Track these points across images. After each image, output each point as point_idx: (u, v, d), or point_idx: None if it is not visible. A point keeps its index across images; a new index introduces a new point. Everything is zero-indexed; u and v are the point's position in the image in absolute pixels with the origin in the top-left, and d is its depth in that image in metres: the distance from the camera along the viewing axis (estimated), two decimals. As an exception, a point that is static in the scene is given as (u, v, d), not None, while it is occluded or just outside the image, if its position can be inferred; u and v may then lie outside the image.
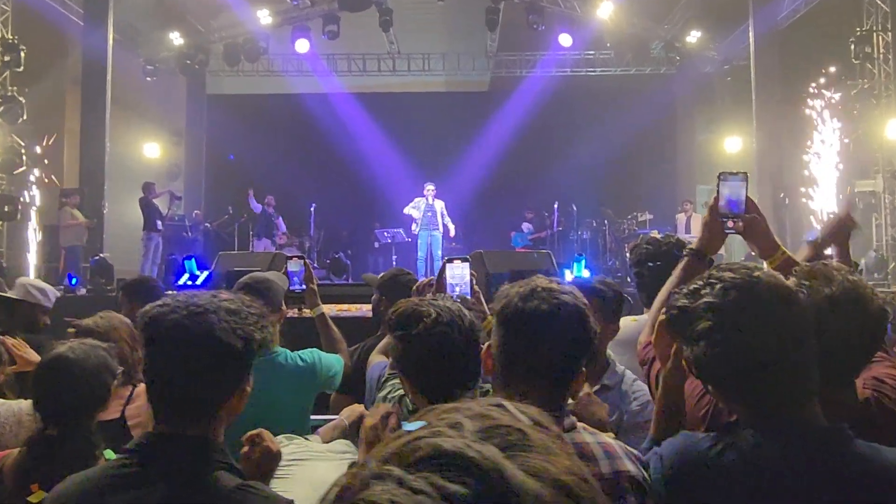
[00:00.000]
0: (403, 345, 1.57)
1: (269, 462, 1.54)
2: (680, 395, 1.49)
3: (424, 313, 1.56)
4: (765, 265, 1.69)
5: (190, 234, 11.97)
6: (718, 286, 1.26)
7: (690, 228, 10.99)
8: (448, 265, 2.31)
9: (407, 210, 10.98)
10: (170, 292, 1.34)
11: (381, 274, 3.37)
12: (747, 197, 1.71)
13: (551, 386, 1.35)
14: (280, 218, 12.17)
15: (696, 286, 1.29)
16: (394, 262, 10.93)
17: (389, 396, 1.90)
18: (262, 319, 1.34)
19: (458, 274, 2.29)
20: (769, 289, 1.24)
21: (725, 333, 1.22)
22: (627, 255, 2.63)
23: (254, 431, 1.54)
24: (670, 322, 1.33)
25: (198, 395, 1.28)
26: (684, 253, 1.78)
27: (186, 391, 1.27)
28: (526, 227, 12.23)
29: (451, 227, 10.82)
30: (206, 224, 12.61)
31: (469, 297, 2.21)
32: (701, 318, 1.25)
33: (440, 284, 2.29)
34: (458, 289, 2.24)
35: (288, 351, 2.58)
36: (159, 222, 10.73)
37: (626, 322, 2.43)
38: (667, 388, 1.48)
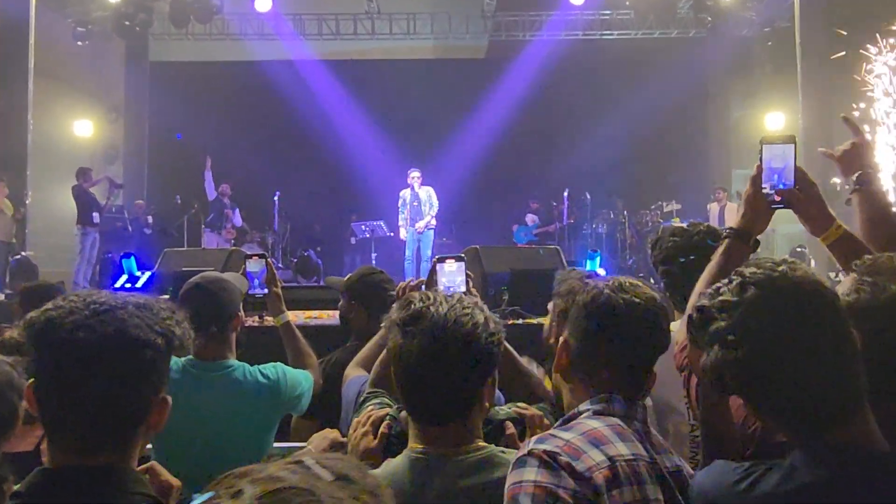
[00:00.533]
0: (406, 342, 1.53)
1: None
2: (722, 413, 1.56)
3: (449, 305, 1.55)
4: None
5: (130, 228, 11.95)
6: (736, 282, 1.30)
7: (724, 220, 11.10)
8: (439, 265, 2.34)
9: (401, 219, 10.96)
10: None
11: (348, 275, 3.39)
12: (796, 165, 1.72)
13: (638, 381, 1.58)
14: (237, 210, 12.17)
15: (718, 284, 1.34)
16: (373, 262, 10.94)
17: None
18: (176, 315, 1.34)
19: (452, 274, 2.32)
20: (794, 284, 1.27)
21: (740, 335, 1.25)
22: (649, 251, 2.65)
23: (143, 466, 1.49)
24: (689, 325, 1.37)
25: (113, 412, 1.24)
26: (724, 234, 1.81)
27: (97, 407, 1.23)
28: (531, 219, 12.30)
29: (430, 217, 10.79)
30: (150, 216, 12.59)
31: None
32: (715, 319, 1.29)
33: (431, 285, 2.32)
34: (452, 290, 2.27)
35: (247, 365, 2.60)
36: (96, 215, 10.70)
37: None
38: (705, 405, 1.55)
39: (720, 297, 1.30)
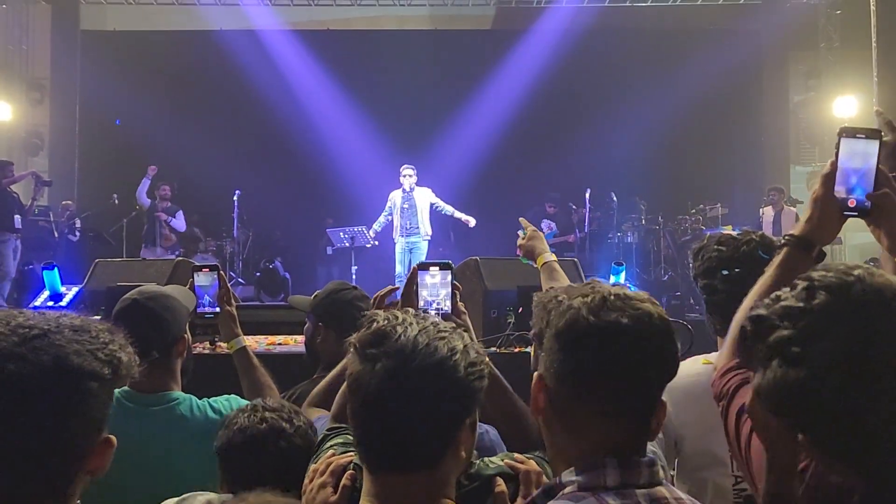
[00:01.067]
0: (365, 368, 1.49)
1: None
2: (789, 447, 1.43)
3: (411, 329, 1.50)
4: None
5: (56, 233, 11.95)
6: (802, 286, 1.29)
7: (781, 227, 11.15)
8: (420, 273, 2.34)
9: (377, 227, 11.08)
10: None
11: (315, 293, 3.40)
12: (878, 166, 1.70)
13: (635, 423, 1.49)
14: (179, 212, 12.12)
15: (777, 292, 1.34)
16: (353, 277, 10.97)
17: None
18: (118, 338, 1.33)
19: (435, 286, 2.33)
20: (873, 291, 1.26)
21: (806, 347, 1.23)
22: (690, 262, 2.68)
23: None
24: (741, 339, 1.35)
25: (51, 457, 1.23)
26: (782, 241, 1.78)
27: (31, 453, 1.22)
28: (547, 226, 12.31)
29: (468, 218, 10.97)
30: (78, 219, 12.58)
31: (450, 315, 2.25)
32: (776, 328, 1.27)
33: (408, 298, 2.32)
34: (434, 305, 2.28)
35: (194, 398, 2.62)
36: (18, 218, 10.74)
37: (692, 366, 2.42)
38: (769, 438, 1.44)
39: (782, 303, 1.29)
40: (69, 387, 1.24)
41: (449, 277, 2.34)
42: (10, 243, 10.61)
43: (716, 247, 2.51)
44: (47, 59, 14.85)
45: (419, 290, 2.32)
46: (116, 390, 2.54)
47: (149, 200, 12.00)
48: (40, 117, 14.76)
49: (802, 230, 1.75)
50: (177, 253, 11.57)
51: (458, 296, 2.35)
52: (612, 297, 1.49)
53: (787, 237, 1.77)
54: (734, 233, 2.62)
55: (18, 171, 11.31)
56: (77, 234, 12.16)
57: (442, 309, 2.29)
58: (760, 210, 12.09)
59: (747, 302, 1.71)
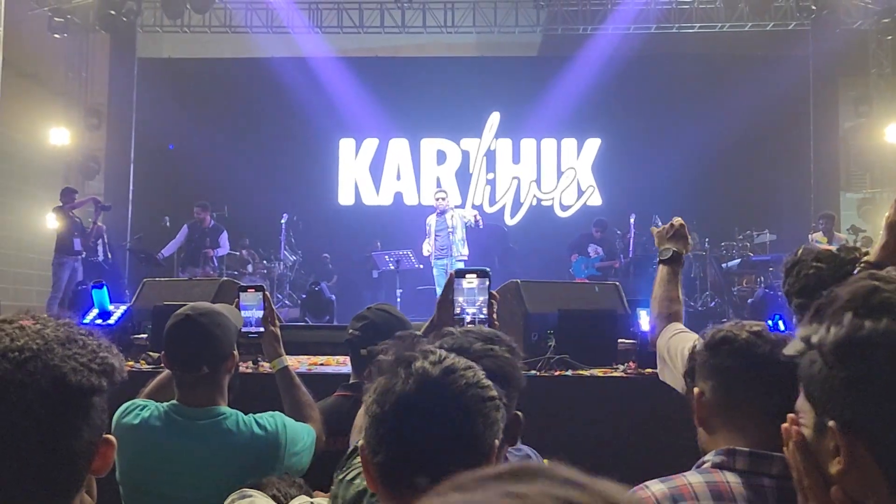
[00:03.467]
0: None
1: None
2: None
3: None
4: None
5: (109, 256, 12.14)
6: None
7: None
8: (457, 281, 2.35)
9: (426, 249, 11.16)
10: None
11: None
12: None
13: (778, 428, 1.59)
14: (223, 233, 12.04)
15: None
16: (398, 300, 11.05)
17: (348, 480, 1.90)
18: (104, 341, 1.31)
19: (472, 292, 2.34)
20: None
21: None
22: (782, 277, 2.51)
23: None
24: None
25: (56, 474, 1.24)
26: (856, 269, 1.77)
27: (39, 473, 1.22)
28: (593, 250, 12.27)
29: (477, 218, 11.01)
30: (128, 242, 12.79)
31: (486, 325, 2.26)
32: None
33: (444, 304, 2.34)
34: (470, 312, 2.29)
35: (241, 413, 2.68)
36: (78, 241, 10.97)
37: None
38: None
39: None
40: (71, 405, 1.23)
41: (486, 284, 2.34)
42: (67, 265, 10.85)
43: (814, 263, 2.33)
44: (105, 86, 15.14)
45: (455, 297, 2.33)
46: (165, 404, 2.64)
47: (185, 230, 11.84)
48: (97, 142, 15.07)
49: (878, 257, 1.75)
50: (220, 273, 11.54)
51: (496, 306, 2.36)
52: (748, 326, 1.80)
53: (861, 264, 1.77)
54: (833, 248, 2.44)
55: (80, 197, 11.53)
56: (101, 255, 11.97)
57: (479, 317, 2.30)
58: (810, 236, 11.93)
59: None
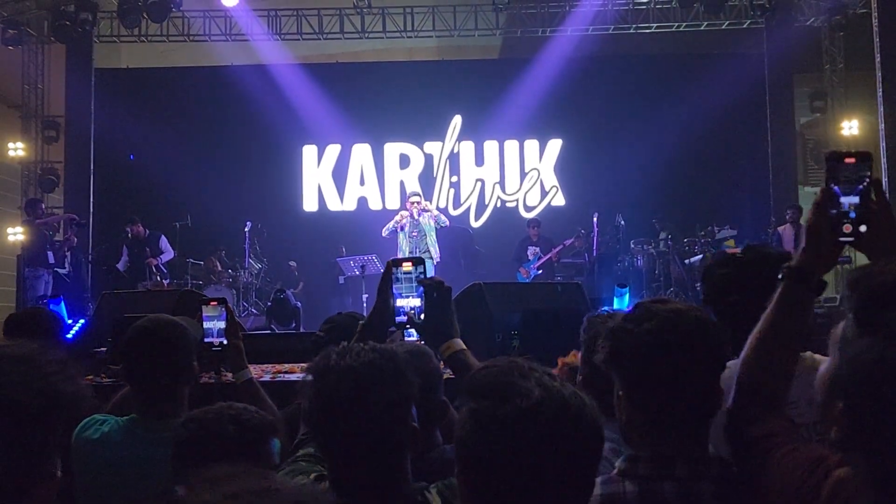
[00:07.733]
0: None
1: None
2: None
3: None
4: None
5: (70, 269, 12.01)
6: None
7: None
8: (394, 270, 2.25)
9: (385, 231, 11.16)
10: None
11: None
12: (871, 189, 1.64)
13: (701, 426, 1.65)
14: (161, 239, 11.91)
15: None
16: (364, 305, 11.01)
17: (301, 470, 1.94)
18: (67, 368, 1.28)
19: (410, 280, 2.24)
20: None
21: None
22: (699, 287, 2.51)
23: None
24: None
25: None
26: (780, 275, 1.69)
27: None
28: (532, 252, 12.20)
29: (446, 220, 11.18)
30: (91, 254, 12.65)
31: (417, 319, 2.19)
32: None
33: (383, 293, 2.24)
34: (406, 307, 2.21)
35: (201, 425, 2.65)
36: (51, 254, 10.95)
37: None
38: None
39: None
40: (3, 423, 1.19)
41: (422, 270, 2.24)
42: (42, 278, 10.85)
43: (719, 271, 2.40)
44: (62, 98, 14.97)
45: (392, 286, 2.23)
46: (123, 419, 2.60)
47: (125, 252, 11.81)
48: (56, 154, 14.91)
49: (799, 261, 1.67)
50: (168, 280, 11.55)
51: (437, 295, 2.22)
52: (645, 306, 1.75)
53: (783, 269, 1.69)
54: (738, 250, 2.48)
55: (50, 214, 11.49)
56: (67, 268, 11.95)
57: (415, 307, 2.20)
58: (779, 229, 12.01)
59: (750, 344, 1.69)
